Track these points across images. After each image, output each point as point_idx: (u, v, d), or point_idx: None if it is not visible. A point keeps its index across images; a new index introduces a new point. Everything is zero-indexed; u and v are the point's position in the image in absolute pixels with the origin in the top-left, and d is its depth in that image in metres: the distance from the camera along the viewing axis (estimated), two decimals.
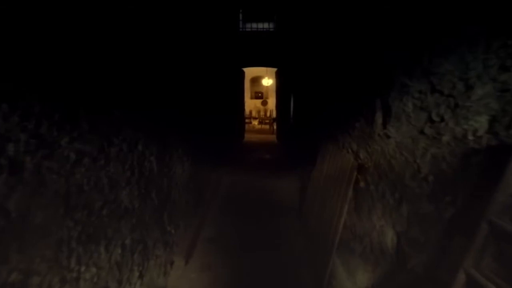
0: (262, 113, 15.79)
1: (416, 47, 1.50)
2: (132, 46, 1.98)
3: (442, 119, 1.30)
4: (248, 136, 10.21)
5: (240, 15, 8.47)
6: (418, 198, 1.46)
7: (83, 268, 1.47)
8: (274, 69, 9.08)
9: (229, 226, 3.58)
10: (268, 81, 14.17)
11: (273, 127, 12.80)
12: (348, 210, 2.26)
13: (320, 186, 2.99)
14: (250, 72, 14.02)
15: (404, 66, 1.60)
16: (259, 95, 16.89)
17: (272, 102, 15.03)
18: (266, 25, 8.47)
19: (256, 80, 16.17)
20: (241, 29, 8.36)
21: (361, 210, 2.14)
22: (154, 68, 2.35)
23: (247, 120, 14.59)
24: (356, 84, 2.41)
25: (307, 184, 3.80)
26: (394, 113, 1.73)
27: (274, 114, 14.18)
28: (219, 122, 5.90)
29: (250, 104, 15.82)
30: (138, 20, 2.08)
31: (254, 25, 8.53)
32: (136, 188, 2.04)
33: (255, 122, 14.96)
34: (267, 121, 14.15)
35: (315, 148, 4.11)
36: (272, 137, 10.13)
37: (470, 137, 1.17)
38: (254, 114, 15.69)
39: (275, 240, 3.23)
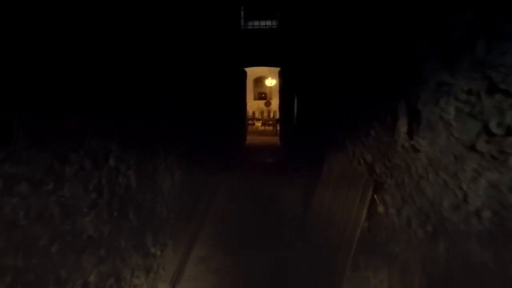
0: (265, 114, 15.42)
1: (463, 28, 1.11)
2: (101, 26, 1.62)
3: (509, 132, 0.92)
4: (250, 138, 9.85)
5: (242, 13, 8.11)
6: (464, 238, 1.08)
7: None
8: (278, 69, 8.71)
9: (225, 242, 3.22)
10: (271, 82, 13.81)
11: (276, 128, 12.42)
12: (359, 238, 1.88)
13: (327, 202, 2.60)
14: (253, 72, 13.67)
15: (443, 56, 1.22)
16: (262, 95, 16.52)
17: (275, 103, 14.63)
18: (268, 23, 8.10)
19: (259, 81, 15.81)
20: (242, 27, 8.00)
21: (377, 237, 1.77)
22: (137, 58, 2.00)
23: (250, 122, 14.23)
24: (369, 82, 2.03)
25: (312, 194, 3.43)
26: (425, 120, 1.35)
27: (277, 115, 13.82)
28: (219, 123, 5.55)
29: (253, 105, 15.47)
30: None
31: (256, 23, 8.16)
32: (106, 211, 1.69)
33: (258, 124, 14.60)
34: (270, 122, 13.78)
35: (321, 153, 3.74)
36: (275, 139, 9.75)
37: None
38: (257, 115, 15.33)
39: (276, 264, 2.85)
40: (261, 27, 8.00)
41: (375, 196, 1.78)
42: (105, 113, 1.68)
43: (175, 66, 2.90)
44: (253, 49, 7.69)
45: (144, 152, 2.17)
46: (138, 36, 2.08)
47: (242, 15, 8.14)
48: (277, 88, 12.72)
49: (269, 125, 13.86)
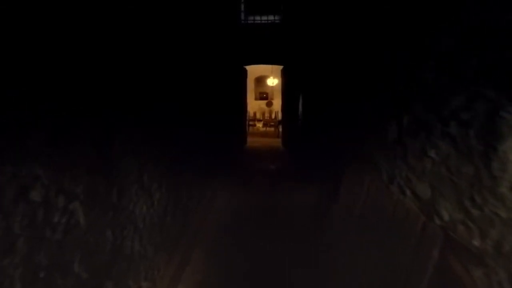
0: (267, 115, 14.83)
1: None
2: None
3: None
4: (251, 140, 9.25)
5: (242, 6, 7.51)
6: None
7: None
8: (280, 68, 8.11)
9: (217, 276, 2.63)
10: (273, 81, 13.22)
11: (278, 130, 11.83)
12: None
13: (348, 246, 1.97)
14: (254, 71, 13.09)
15: None
16: (264, 95, 15.93)
17: (277, 103, 14.06)
18: (271, 18, 7.49)
19: (260, 80, 15.23)
20: (243, 22, 7.40)
21: None
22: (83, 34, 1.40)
23: (251, 123, 13.66)
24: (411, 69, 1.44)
25: (324, 230, 2.82)
26: None
27: (279, 116, 13.22)
28: (216, 126, 4.97)
29: (255, 106, 14.89)
30: None
31: (258, 18, 7.55)
32: (20, 269, 1.09)
33: (259, 125, 14.01)
34: (272, 123, 13.17)
35: (334, 165, 3.14)
36: (278, 142, 9.16)
37: None
38: (258, 116, 14.75)
39: None
40: (263, 22, 7.40)
41: (451, 260, 1.10)
42: (19, 124, 1.08)
43: (154, 51, 2.31)
44: (254, 45, 7.08)
45: (101, 173, 1.57)
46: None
47: (243, 9, 7.54)
48: (279, 88, 12.13)
49: (270, 126, 13.26)
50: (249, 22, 7.46)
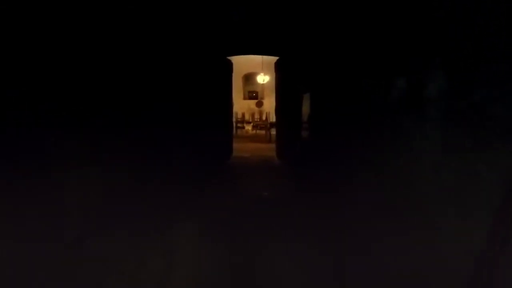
0: (256, 116, 13.36)
1: None
2: None
3: None
4: (238, 147, 7.74)
5: None
6: None
7: None
8: (273, 61, 6.63)
9: None
10: (264, 78, 11.77)
11: (269, 133, 10.39)
12: None
13: None
14: (242, 67, 11.59)
15: None
16: (253, 95, 14.46)
17: (269, 103, 12.61)
18: None
19: (250, 78, 13.75)
20: None
21: None
22: None
23: (239, 125, 12.17)
24: None
25: None
26: None
27: (271, 118, 11.75)
28: (184, 135, 3.48)
29: (243, 106, 13.40)
30: None
31: None
32: None
33: (249, 127, 12.53)
34: (263, 125, 11.70)
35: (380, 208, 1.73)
36: (270, 148, 7.68)
37: None
38: (247, 117, 13.25)
39: None
40: None
41: None
42: None
43: None
44: (240, 31, 5.53)
45: None
46: None
47: None
48: (271, 86, 10.68)
49: (261, 128, 11.78)
50: None
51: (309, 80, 4.04)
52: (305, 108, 4.16)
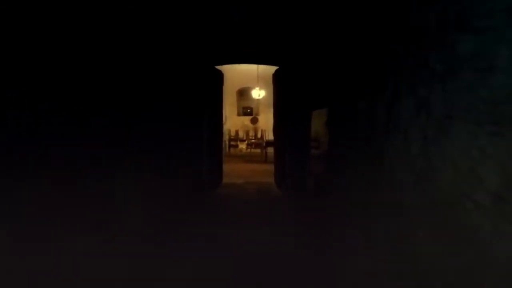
0: (251, 133, 12.43)
1: None
2: None
3: None
4: (230, 169, 6.74)
5: None
6: None
7: None
8: (269, 75, 5.76)
9: None
10: (259, 93, 10.93)
11: (265, 151, 9.45)
12: None
13: None
14: (236, 81, 10.79)
15: None
16: (248, 110, 13.60)
17: (264, 119, 11.74)
18: None
19: (244, 93, 12.94)
20: None
21: None
22: None
23: (232, 143, 11.22)
24: None
25: None
26: None
27: (267, 136, 10.85)
28: (156, 161, 2.53)
29: (237, 123, 12.50)
30: None
31: None
32: None
33: (243, 146, 11.56)
34: (258, 144, 10.75)
35: None
36: (266, 171, 6.69)
37: None
38: (241, 135, 12.32)
39: None
40: None
41: None
42: None
43: None
44: (232, 36, 4.68)
45: None
46: None
47: None
48: (267, 101, 9.81)
49: (256, 147, 10.83)
50: None
51: (324, 94, 3.12)
52: (316, 127, 3.23)
